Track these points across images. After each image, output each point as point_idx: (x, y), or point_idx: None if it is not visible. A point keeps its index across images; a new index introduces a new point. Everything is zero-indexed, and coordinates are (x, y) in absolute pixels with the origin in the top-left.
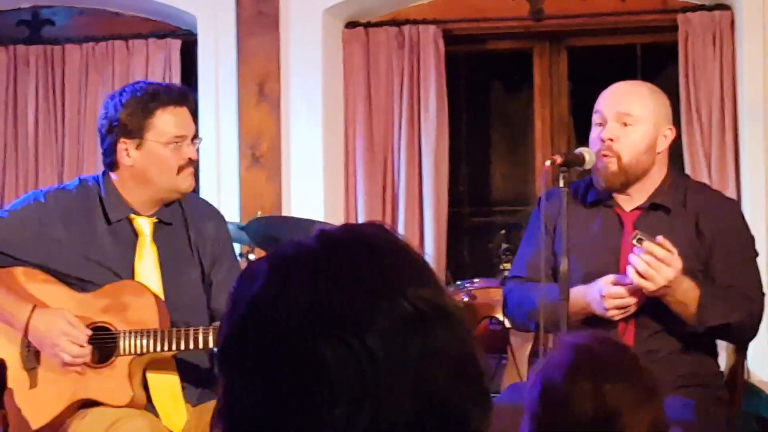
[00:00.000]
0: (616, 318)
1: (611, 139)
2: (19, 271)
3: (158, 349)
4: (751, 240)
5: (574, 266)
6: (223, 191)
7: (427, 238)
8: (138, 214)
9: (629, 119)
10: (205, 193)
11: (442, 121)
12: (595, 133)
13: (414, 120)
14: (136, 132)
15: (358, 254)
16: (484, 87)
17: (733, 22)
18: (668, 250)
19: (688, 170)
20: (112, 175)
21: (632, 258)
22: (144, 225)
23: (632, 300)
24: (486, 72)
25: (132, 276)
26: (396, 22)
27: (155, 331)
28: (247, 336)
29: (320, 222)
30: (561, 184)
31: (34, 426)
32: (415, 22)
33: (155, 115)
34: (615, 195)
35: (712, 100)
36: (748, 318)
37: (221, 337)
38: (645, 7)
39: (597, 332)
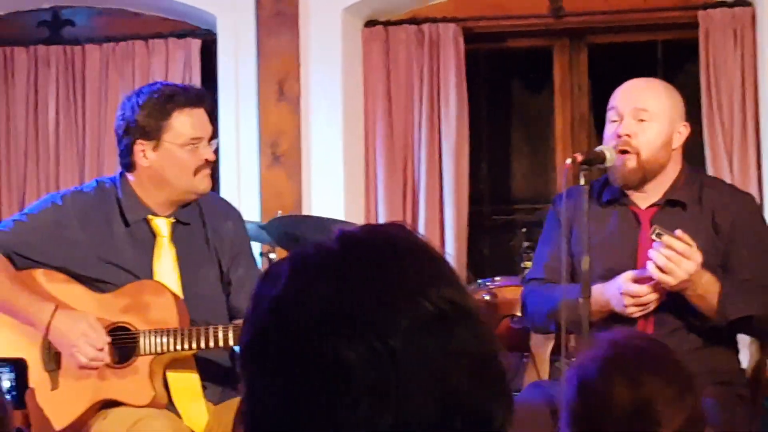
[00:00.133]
0: (636, 315)
1: (629, 135)
2: (38, 273)
3: (178, 347)
4: None
5: (591, 265)
6: (244, 190)
7: (448, 237)
8: (155, 214)
9: (645, 115)
10: (225, 193)
11: (462, 119)
12: (610, 129)
13: (434, 118)
14: (152, 133)
15: (379, 255)
16: (504, 85)
17: (754, 19)
18: (687, 244)
19: (709, 168)
20: (129, 177)
21: (652, 253)
22: (162, 225)
23: (652, 296)
24: (506, 70)
25: (151, 277)
26: (416, 21)
27: (175, 330)
28: (268, 337)
29: (340, 221)
30: (582, 182)
31: (57, 427)
32: (434, 20)
33: (172, 117)
34: (630, 193)
35: (733, 97)
36: None
37: (243, 338)
38: (665, 4)
39: (633, 329)
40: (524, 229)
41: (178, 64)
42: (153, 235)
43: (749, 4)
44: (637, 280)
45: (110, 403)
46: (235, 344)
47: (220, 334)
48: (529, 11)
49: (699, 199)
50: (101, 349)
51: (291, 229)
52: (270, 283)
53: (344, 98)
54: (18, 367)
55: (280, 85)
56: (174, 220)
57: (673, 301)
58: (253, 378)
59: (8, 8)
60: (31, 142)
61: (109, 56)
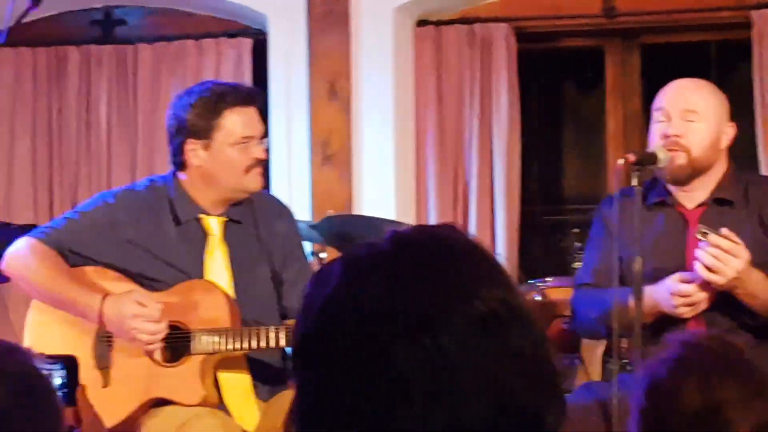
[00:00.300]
0: (687, 315)
1: (678, 135)
2: (90, 270)
3: (230, 348)
4: None
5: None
6: (295, 190)
7: (499, 237)
8: (207, 213)
9: (694, 116)
10: (276, 192)
11: (514, 119)
12: (658, 129)
13: (485, 118)
14: (203, 133)
15: (432, 255)
16: (556, 85)
17: None
18: (734, 242)
19: (763, 167)
20: (181, 175)
21: (698, 253)
22: (214, 224)
23: (701, 296)
24: (558, 70)
25: (202, 275)
26: (467, 20)
27: (227, 330)
28: (321, 336)
29: (391, 220)
30: (634, 182)
31: (108, 424)
32: (486, 20)
33: (223, 116)
34: (676, 193)
35: None
36: None
37: (296, 338)
38: (718, 4)
39: (702, 331)
40: (576, 230)
41: (230, 64)
42: (204, 234)
43: None
44: (685, 281)
45: (161, 402)
46: (286, 345)
47: (272, 335)
48: (582, 11)
49: (745, 197)
50: (158, 321)
51: (342, 228)
52: (322, 283)
53: (395, 98)
54: (69, 364)
55: (331, 85)
56: (226, 219)
57: (724, 300)
58: (305, 378)
59: (60, 8)
60: (82, 141)
61: (161, 56)
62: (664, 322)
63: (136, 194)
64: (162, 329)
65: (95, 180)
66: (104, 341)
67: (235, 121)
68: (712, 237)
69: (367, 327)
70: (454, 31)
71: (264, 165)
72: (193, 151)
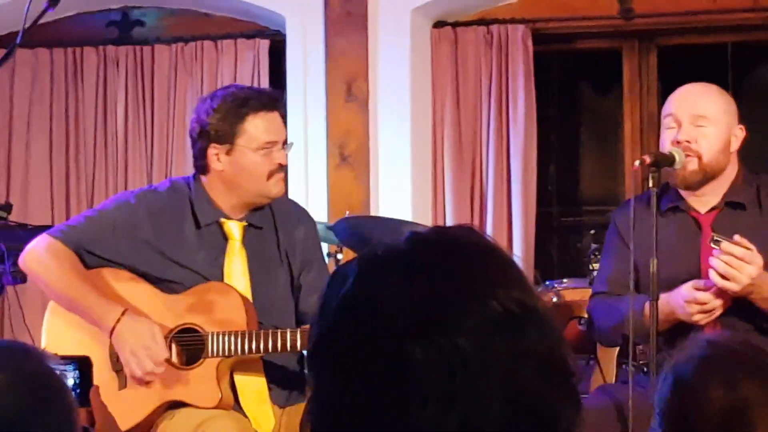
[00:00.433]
0: (702, 322)
1: (688, 141)
2: (107, 272)
3: (246, 350)
4: None
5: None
6: (311, 191)
7: (516, 238)
8: (228, 217)
9: (704, 121)
10: (293, 193)
11: (531, 120)
12: (668, 135)
13: (502, 119)
14: (226, 137)
15: (449, 256)
16: (573, 86)
17: None
18: (746, 248)
19: None
20: (203, 179)
21: (712, 261)
22: (234, 229)
23: (717, 302)
24: (575, 71)
25: (221, 279)
26: (484, 22)
27: (243, 333)
28: (337, 336)
29: (408, 222)
30: (650, 184)
31: (123, 426)
32: (503, 21)
33: (246, 121)
34: (689, 198)
35: None
36: None
37: (311, 337)
38: (736, 6)
39: (726, 331)
40: (592, 231)
41: (247, 65)
42: (225, 238)
43: None
44: (700, 288)
45: (177, 404)
46: (302, 349)
47: (288, 338)
48: (599, 12)
49: (758, 200)
50: (159, 364)
51: (358, 229)
52: (338, 283)
53: (412, 99)
54: (82, 365)
55: (349, 86)
56: (246, 224)
57: (740, 305)
58: (321, 377)
59: (78, 8)
60: (99, 142)
61: (178, 57)
62: (679, 329)
63: (158, 195)
64: (157, 372)
65: (111, 181)
66: None
67: (258, 126)
68: (725, 245)
69: (383, 327)
70: (472, 32)
71: (285, 170)
72: (216, 155)
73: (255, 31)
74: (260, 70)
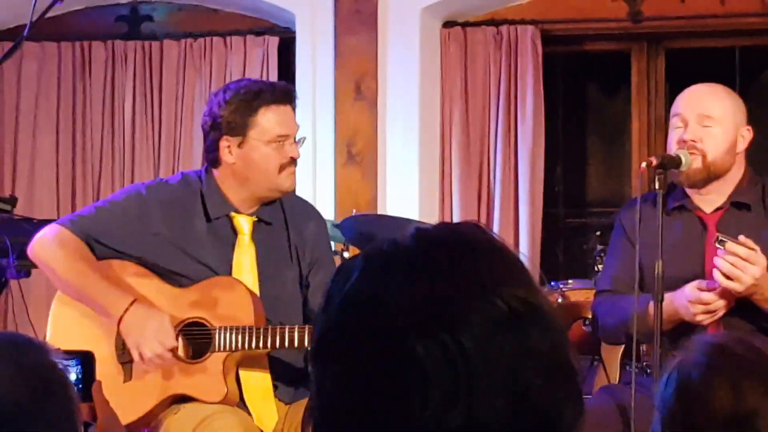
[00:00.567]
0: (706, 323)
1: (694, 140)
2: (116, 263)
3: (253, 346)
4: None
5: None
6: (319, 188)
7: (522, 239)
8: (238, 212)
9: (710, 121)
10: (300, 191)
11: (539, 121)
12: (675, 135)
13: (510, 120)
14: (239, 130)
15: (454, 253)
16: (582, 88)
17: None
18: (751, 248)
19: None
20: (215, 172)
21: (717, 261)
22: (244, 223)
23: (720, 303)
24: (583, 73)
25: (229, 273)
26: (494, 22)
27: (251, 328)
28: (340, 332)
29: (415, 220)
30: (656, 186)
31: (127, 419)
32: (513, 22)
33: (258, 114)
34: (695, 198)
35: None
36: None
37: (314, 333)
38: (744, 10)
39: (732, 333)
40: (598, 233)
41: (256, 62)
42: (234, 232)
43: None
44: (704, 289)
45: (182, 399)
46: (309, 345)
47: (296, 335)
48: (608, 15)
49: (763, 201)
50: (169, 350)
51: (365, 228)
52: (343, 278)
53: (421, 98)
54: (85, 359)
55: (358, 84)
56: (256, 219)
57: (744, 306)
58: (323, 373)
59: (86, 3)
60: (107, 136)
61: (187, 52)
62: (683, 329)
63: (169, 187)
64: (167, 360)
65: (118, 176)
66: None
67: (271, 119)
68: (730, 245)
69: (386, 323)
70: (481, 33)
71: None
72: (228, 148)
73: (264, 28)
74: (269, 67)
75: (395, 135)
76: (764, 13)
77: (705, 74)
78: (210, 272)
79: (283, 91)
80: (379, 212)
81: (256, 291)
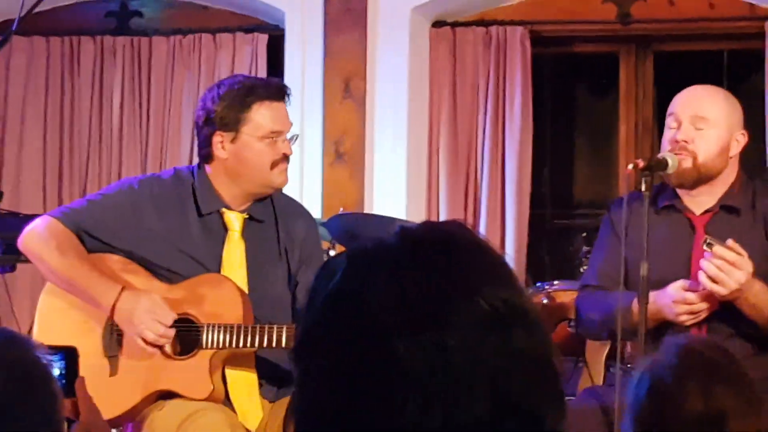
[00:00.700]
0: (688, 323)
1: (686, 141)
2: (106, 257)
3: (241, 344)
4: None
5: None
6: (306, 187)
7: (508, 239)
8: (230, 208)
9: (703, 123)
10: (287, 189)
11: (527, 122)
12: (668, 134)
13: (498, 120)
14: (232, 125)
15: (438, 252)
16: (570, 89)
17: None
18: (738, 254)
19: None
20: (207, 168)
21: (703, 263)
22: (234, 220)
23: (703, 305)
24: (572, 74)
25: (218, 269)
26: (483, 23)
27: (239, 327)
28: (323, 330)
29: (402, 220)
30: (643, 188)
31: (112, 413)
32: (502, 22)
33: (252, 109)
34: (685, 198)
35: None
36: None
37: (297, 331)
38: (732, 14)
39: (700, 336)
40: (584, 234)
41: (245, 59)
42: (225, 228)
43: None
44: (688, 289)
45: (167, 395)
46: None
47: (284, 334)
48: (597, 17)
49: (753, 206)
50: (168, 326)
51: (351, 226)
52: (327, 277)
53: (410, 98)
54: (69, 355)
55: (346, 83)
56: (247, 216)
57: (727, 309)
58: (305, 371)
59: None
60: (94, 132)
61: (176, 49)
62: (665, 328)
63: (161, 182)
64: (169, 335)
65: (105, 171)
66: (115, 329)
67: (264, 114)
68: (717, 248)
69: (368, 322)
70: (470, 33)
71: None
72: (220, 143)
73: (254, 26)
74: (258, 65)
75: (383, 134)
76: (752, 17)
77: (693, 77)
78: (200, 268)
79: (276, 88)
80: (366, 211)
81: (245, 288)
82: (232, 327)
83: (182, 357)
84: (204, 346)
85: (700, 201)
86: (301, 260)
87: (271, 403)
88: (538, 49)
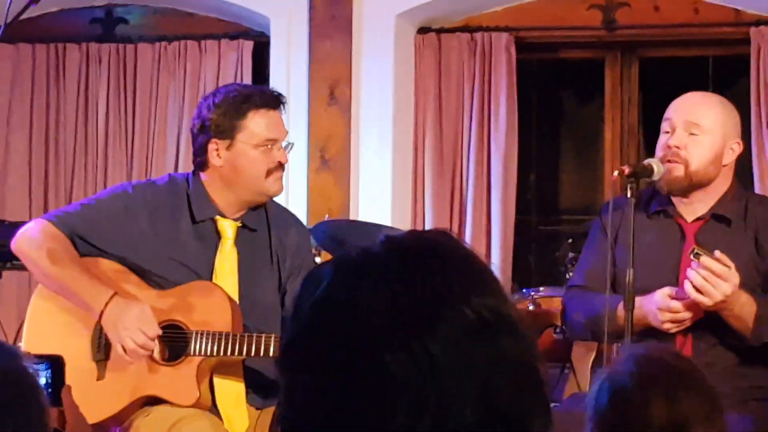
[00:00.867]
0: (672, 331)
1: (678, 147)
2: (98, 261)
3: (228, 352)
4: None
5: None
6: (292, 193)
7: (494, 245)
8: (224, 216)
9: (697, 129)
10: None
11: (512, 128)
12: (662, 139)
13: (484, 127)
14: (227, 132)
15: (423, 261)
16: (555, 95)
17: None
18: (726, 265)
19: (757, 185)
20: (202, 175)
21: (689, 273)
22: (227, 228)
23: (688, 314)
24: (557, 80)
25: (210, 277)
26: (468, 29)
27: (227, 335)
28: (308, 339)
29: (387, 226)
30: (628, 194)
31: (98, 417)
32: (487, 29)
33: (247, 117)
34: (677, 204)
35: None
36: None
37: (283, 340)
38: (718, 20)
39: (658, 344)
40: (570, 240)
41: (230, 66)
42: (218, 236)
43: None
44: (674, 297)
45: (153, 401)
46: None
47: (272, 344)
48: (582, 23)
49: (744, 216)
50: (152, 339)
51: (337, 233)
52: (312, 286)
53: (395, 104)
54: (55, 364)
55: (332, 89)
56: (240, 224)
57: (713, 318)
58: (291, 380)
59: (61, 5)
60: (80, 139)
61: (161, 56)
62: (650, 334)
63: (156, 188)
64: (149, 347)
65: (91, 178)
66: (104, 334)
67: (259, 122)
68: (704, 259)
69: (354, 331)
70: (455, 39)
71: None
72: (216, 150)
73: (239, 32)
74: (243, 72)
75: (369, 140)
76: (738, 23)
77: (678, 83)
78: (192, 275)
79: (272, 96)
80: (351, 218)
81: (236, 296)
82: (220, 335)
83: (170, 363)
84: (192, 353)
85: (693, 208)
86: (291, 269)
87: (257, 411)
88: (524, 55)
